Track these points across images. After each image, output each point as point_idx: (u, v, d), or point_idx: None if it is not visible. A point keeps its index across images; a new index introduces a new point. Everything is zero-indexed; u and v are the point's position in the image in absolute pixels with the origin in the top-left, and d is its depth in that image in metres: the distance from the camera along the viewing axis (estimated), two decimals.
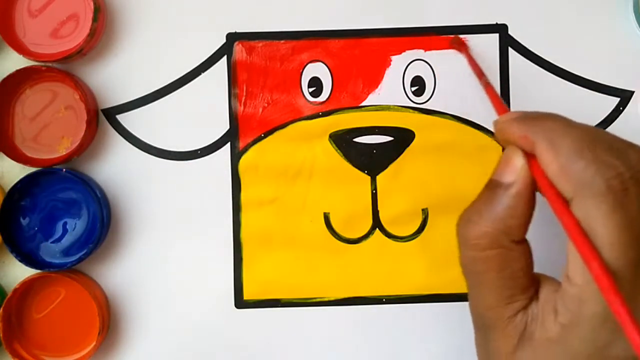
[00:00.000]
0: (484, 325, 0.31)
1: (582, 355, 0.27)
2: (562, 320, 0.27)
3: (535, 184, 0.29)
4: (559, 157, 0.27)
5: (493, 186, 0.30)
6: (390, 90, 0.40)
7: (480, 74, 0.37)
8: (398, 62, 0.40)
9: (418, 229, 0.40)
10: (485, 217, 0.29)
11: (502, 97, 0.40)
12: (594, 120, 0.40)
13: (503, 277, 0.29)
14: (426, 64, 0.40)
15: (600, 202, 0.26)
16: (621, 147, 0.28)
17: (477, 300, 0.31)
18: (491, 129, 0.40)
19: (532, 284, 0.30)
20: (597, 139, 0.27)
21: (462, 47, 0.40)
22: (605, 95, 0.40)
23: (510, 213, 0.29)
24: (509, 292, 0.29)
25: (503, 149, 0.31)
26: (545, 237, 0.40)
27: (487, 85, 0.36)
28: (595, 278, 0.25)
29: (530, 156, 0.29)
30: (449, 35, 0.40)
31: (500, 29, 0.40)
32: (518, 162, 0.29)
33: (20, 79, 0.39)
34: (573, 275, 0.27)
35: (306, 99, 0.40)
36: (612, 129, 0.40)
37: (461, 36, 0.40)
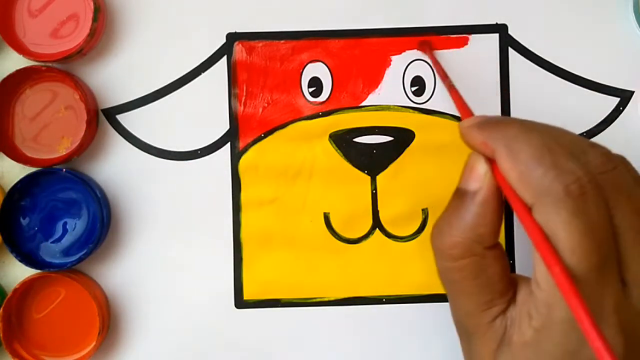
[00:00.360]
0: (465, 332, 0.31)
1: (556, 358, 0.27)
2: (535, 325, 0.27)
3: (498, 190, 0.29)
4: (517, 165, 0.27)
5: (460, 195, 0.30)
6: (390, 90, 0.40)
7: (443, 76, 0.37)
8: (398, 62, 0.40)
9: (418, 229, 0.40)
10: (456, 227, 0.29)
11: (502, 97, 0.40)
12: (594, 120, 0.40)
13: (479, 284, 0.29)
14: (426, 64, 0.40)
15: (560, 208, 0.26)
16: (581, 149, 0.28)
17: (456, 308, 0.31)
18: None
19: (509, 287, 0.30)
20: (556, 143, 0.27)
21: (427, 49, 0.39)
22: (605, 95, 0.40)
23: (479, 221, 0.29)
24: (486, 298, 0.29)
25: None
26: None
27: (451, 88, 0.36)
28: (557, 283, 0.25)
29: (492, 162, 0.29)
30: (449, 35, 0.40)
31: (500, 29, 0.40)
32: (481, 169, 0.29)
33: (20, 79, 0.39)
34: (540, 280, 0.27)
35: (306, 99, 0.40)
36: (612, 129, 0.40)
37: (429, 38, 0.40)
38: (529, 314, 0.28)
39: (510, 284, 0.30)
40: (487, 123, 0.30)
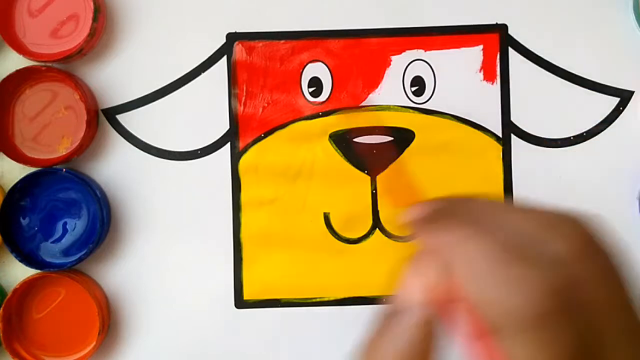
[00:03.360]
0: None
1: None
2: None
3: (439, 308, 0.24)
4: (472, 282, 0.21)
5: (391, 314, 0.25)
6: (390, 90, 0.40)
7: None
8: (398, 62, 0.40)
9: None
10: (383, 353, 0.24)
11: (502, 97, 0.40)
12: (594, 120, 0.40)
13: None
14: (426, 64, 0.40)
15: (524, 340, 0.20)
16: (541, 240, 0.21)
17: None
18: (491, 128, 0.40)
19: None
20: (511, 246, 0.21)
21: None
22: (605, 95, 0.40)
23: (412, 348, 0.23)
24: None
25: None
26: None
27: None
28: None
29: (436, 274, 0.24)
30: (449, 35, 0.40)
31: (500, 29, 0.40)
32: (420, 285, 0.24)
33: (20, 79, 0.39)
34: None
35: (306, 99, 0.40)
36: (612, 129, 0.40)
37: None
38: None
39: None
40: (431, 220, 0.24)
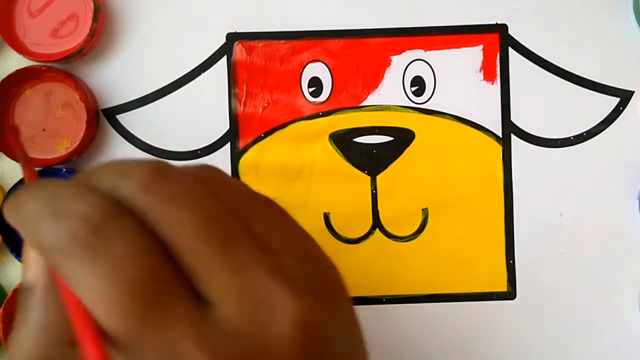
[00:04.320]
0: None
1: None
2: None
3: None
4: (25, 226, 0.21)
5: (24, 294, 0.23)
6: (390, 90, 0.40)
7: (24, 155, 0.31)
8: (398, 62, 0.40)
9: (418, 229, 0.40)
10: (23, 334, 0.23)
11: (503, 97, 0.40)
12: (594, 120, 0.40)
13: None
14: (426, 64, 0.40)
15: (70, 260, 0.19)
16: (112, 178, 0.21)
17: None
18: (491, 128, 0.40)
19: None
20: (66, 187, 0.21)
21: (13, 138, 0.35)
22: (605, 95, 0.40)
23: (48, 313, 0.22)
24: None
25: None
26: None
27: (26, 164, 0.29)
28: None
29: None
30: (449, 35, 0.40)
31: (500, 29, 0.40)
32: (32, 253, 0.22)
33: (20, 79, 0.39)
34: None
35: (306, 99, 0.40)
36: (612, 129, 0.40)
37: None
38: None
39: None
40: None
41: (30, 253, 0.22)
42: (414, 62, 0.40)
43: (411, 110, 0.40)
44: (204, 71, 0.40)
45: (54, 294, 0.22)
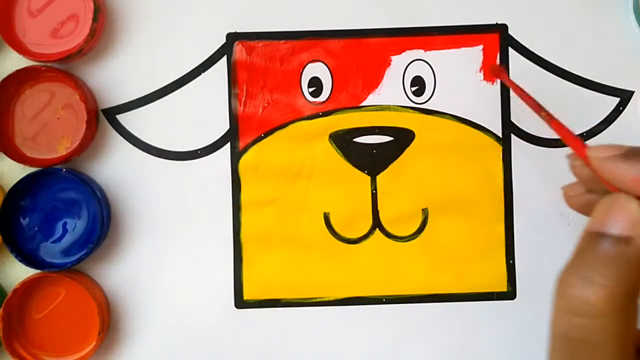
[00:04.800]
0: None
1: None
2: None
3: None
4: None
5: (602, 240, 0.25)
6: (390, 90, 0.40)
7: (538, 108, 0.33)
8: (398, 62, 0.40)
9: (418, 229, 0.40)
10: (611, 277, 0.24)
11: (503, 97, 0.40)
12: (594, 120, 0.40)
13: (623, 348, 0.24)
14: (426, 64, 0.40)
15: None
16: None
17: None
18: (491, 128, 0.40)
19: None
20: None
21: (504, 76, 0.37)
22: (605, 95, 0.40)
23: (636, 272, 0.24)
24: None
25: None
26: None
27: (551, 119, 0.32)
28: None
29: None
30: (449, 35, 0.40)
31: (500, 29, 0.40)
32: (636, 211, 0.25)
33: (20, 79, 0.39)
34: None
35: (306, 99, 0.40)
36: (612, 129, 0.40)
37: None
38: None
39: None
40: (636, 154, 0.25)
41: (633, 209, 0.24)
42: (414, 62, 0.40)
43: (411, 110, 0.40)
44: (204, 71, 0.40)
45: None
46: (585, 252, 0.25)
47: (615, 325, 0.24)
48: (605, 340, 0.24)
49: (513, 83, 0.35)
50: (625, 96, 0.40)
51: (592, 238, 0.25)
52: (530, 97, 0.33)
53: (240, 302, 0.40)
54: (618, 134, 0.40)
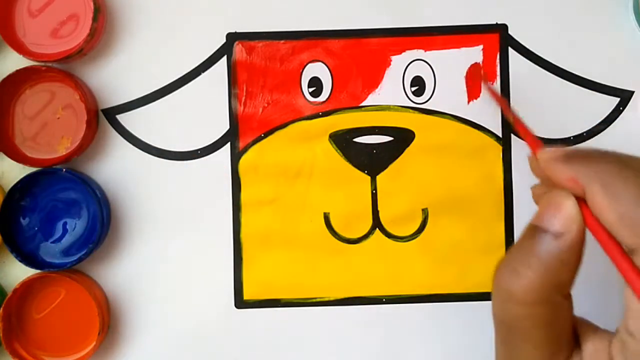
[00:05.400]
0: None
1: None
2: None
3: (585, 233, 0.26)
4: (617, 206, 0.25)
5: (538, 234, 0.26)
6: (390, 90, 0.40)
7: (506, 108, 0.36)
8: (398, 62, 0.40)
9: (418, 229, 0.40)
10: (535, 269, 0.26)
11: (503, 97, 0.40)
12: (594, 120, 0.40)
13: (549, 335, 0.26)
14: (426, 64, 0.40)
15: None
16: None
17: (514, 358, 0.27)
18: (491, 128, 0.40)
19: (573, 337, 0.28)
20: None
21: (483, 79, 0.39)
22: (605, 95, 0.40)
23: (563, 267, 0.26)
24: (553, 349, 0.27)
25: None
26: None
27: (516, 120, 0.34)
28: None
29: (580, 201, 0.26)
30: (449, 35, 0.40)
31: (500, 29, 0.40)
32: (570, 209, 0.26)
33: (20, 79, 0.39)
34: (636, 330, 0.25)
35: (306, 99, 0.40)
36: (612, 129, 0.40)
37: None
38: None
39: (574, 333, 0.28)
40: (575, 156, 0.27)
41: (568, 206, 0.26)
42: (414, 62, 0.40)
43: (411, 110, 0.40)
44: (204, 71, 0.40)
45: (578, 251, 0.26)
46: (520, 243, 0.27)
47: (541, 313, 0.26)
48: (532, 326, 0.26)
49: (487, 84, 0.38)
50: (625, 96, 0.40)
51: (532, 231, 0.27)
52: (500, 97, 0.36)
53: (240, 302, 0.40)
54: (618, 134, 0.40)
